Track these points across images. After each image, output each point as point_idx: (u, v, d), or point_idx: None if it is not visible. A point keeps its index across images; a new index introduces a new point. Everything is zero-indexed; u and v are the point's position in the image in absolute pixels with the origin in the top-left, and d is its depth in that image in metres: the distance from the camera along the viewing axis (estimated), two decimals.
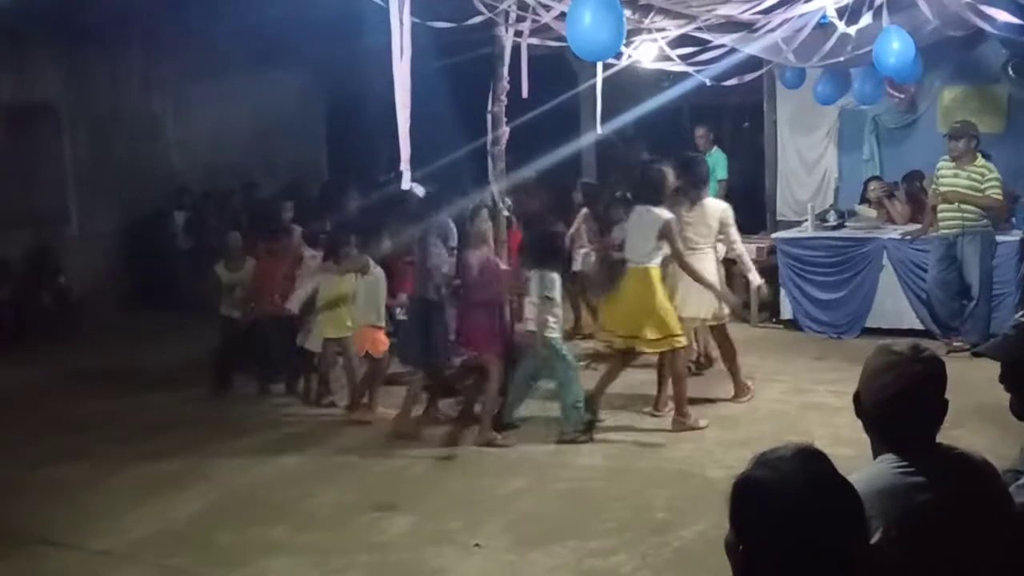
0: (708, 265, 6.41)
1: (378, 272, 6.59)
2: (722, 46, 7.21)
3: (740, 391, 6.63)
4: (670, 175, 6.18)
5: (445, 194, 6.59)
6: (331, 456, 5.98)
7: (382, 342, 6.56)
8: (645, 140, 11.40)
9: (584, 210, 7.71)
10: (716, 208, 6.57)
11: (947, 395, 2.26)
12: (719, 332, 6.65)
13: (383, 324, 6.62)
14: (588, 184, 8.02)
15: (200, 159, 11.37)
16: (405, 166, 5.70)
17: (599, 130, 7.71)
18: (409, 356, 6.32)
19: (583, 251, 7.25)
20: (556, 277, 6.06)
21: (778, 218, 9.97)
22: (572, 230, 7.67)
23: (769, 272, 8.52)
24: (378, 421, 6.38)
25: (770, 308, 8.69)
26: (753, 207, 9.53)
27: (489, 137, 6.50)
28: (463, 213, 7.40)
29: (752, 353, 7.40)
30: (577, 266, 7.88)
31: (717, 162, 9.27)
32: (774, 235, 8.88)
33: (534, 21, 6.40)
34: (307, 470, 5.76)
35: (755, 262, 7.41)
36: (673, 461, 5.65)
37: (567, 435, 5.92)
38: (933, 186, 7.83)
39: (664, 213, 6.06)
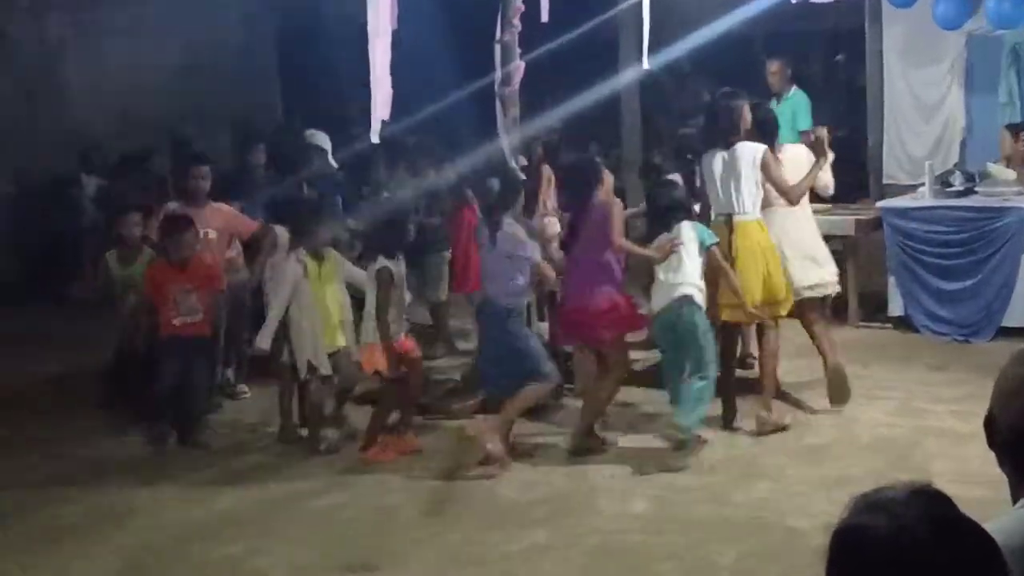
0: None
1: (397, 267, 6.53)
2: None
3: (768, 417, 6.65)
4: (747, 112, 6.48)
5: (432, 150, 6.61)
6: (288, 497, 6.06)
7: (413, 352, 6.62)
8: (704, 78, 11.44)
9: (546, 169, 7.78)
10: (800, 156, 6.82)
11: None
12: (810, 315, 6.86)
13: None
14: (551, 136, 8.04)
15: (113, 106, 11.42)
16: (379, 113, 5.75)
17: (645, 64, 7.78)
18: (495, 383, 6.54)
19: (548, 222, 7.28)
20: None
21: (885, 182, 9.95)
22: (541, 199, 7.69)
23: (871, 254, 8.55)
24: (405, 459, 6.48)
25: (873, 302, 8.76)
26: (850, 167, 9.36)
27: (497, 74, 6.69)
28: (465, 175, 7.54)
29: (847, 361, 7.34)
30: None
31: (797, 107, 9.25)
32: (880, 204, 8.93)
33: None
34: (254, 516, 5.83)
35: (846, 240, 7.46)
36: (742, 506, 5.68)
37: (684, 441, 6.24)
38: None
39: (758, 145, 6.40)
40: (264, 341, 6.66)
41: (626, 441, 6.62)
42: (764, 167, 6.45)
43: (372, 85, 4.55)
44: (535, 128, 7.83)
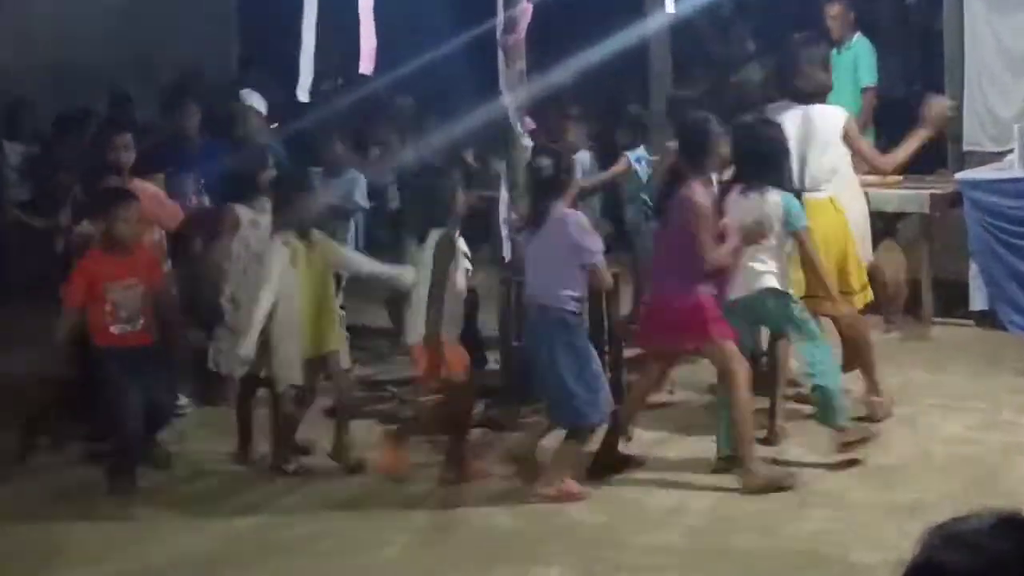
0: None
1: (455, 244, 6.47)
2: None
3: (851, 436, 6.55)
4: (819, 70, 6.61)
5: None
6: (253, 530, 6.05)
7: (461, 358, 6.52)
8: (747, 24, 11.47)
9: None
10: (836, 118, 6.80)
11: None
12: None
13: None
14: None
15: (42, 57, 11.34)
16: (365, 65, 5.73)
17: (670, 8, 7.81)
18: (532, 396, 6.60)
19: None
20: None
21: (965, 149, 9.86)
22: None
23: (949, 236, 8.53)
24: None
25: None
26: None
27: (500, 19, 6.71)
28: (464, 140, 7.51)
29: (920, 364, 7.40)
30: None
31: (860, 58, 9.23)
32: (959, 175, 8.88)
33: None
34: (219, 553, 5.83)
35: (919, 220, 7.62)
36: (797, 538, 5.68)
37: (843, 436, 6.31)
38: None
39: (838, 108, 6.47)
40: (248, 348, 6.44)
41: (658, 459, 6.63)
42: (848, 136, 6.46)
43: (363, 34, 4.57)
44: (545, 84, 7.83)
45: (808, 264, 6.41)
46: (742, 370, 6.20)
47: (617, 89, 10.49)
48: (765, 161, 6.32)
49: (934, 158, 9.50)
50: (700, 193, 6.21)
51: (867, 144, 6.64)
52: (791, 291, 6.38)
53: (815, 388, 6.38)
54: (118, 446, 6.59)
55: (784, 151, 6.38)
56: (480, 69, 7.39)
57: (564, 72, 8.34)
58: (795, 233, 6.30)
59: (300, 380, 6.63)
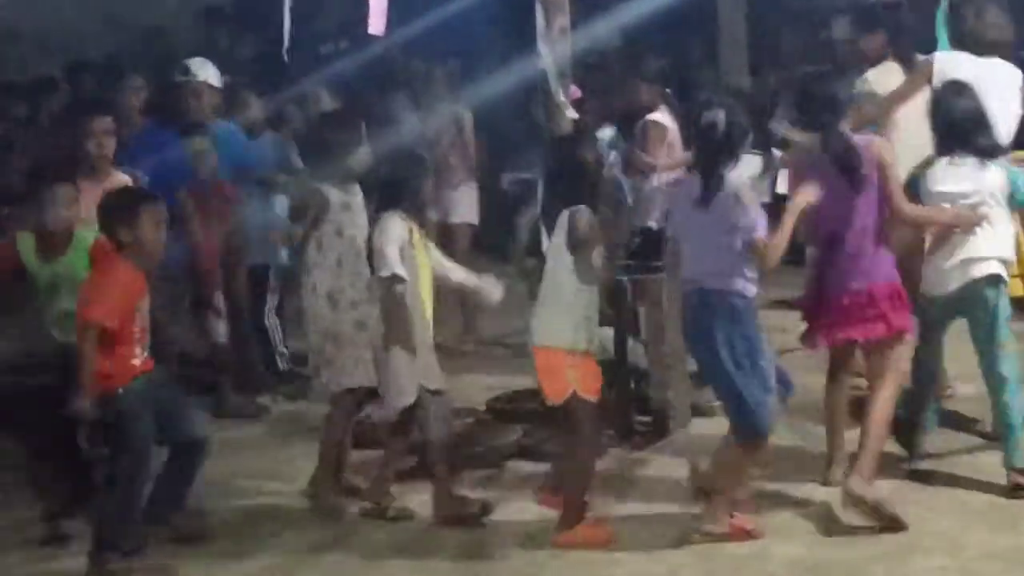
0: None
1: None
2: None
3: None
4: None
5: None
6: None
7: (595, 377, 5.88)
8: None
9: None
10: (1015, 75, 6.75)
11: None
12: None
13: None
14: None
15: None
16: (374, 26, 5.06)
17: None
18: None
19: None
20: None
21: None
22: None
23: None
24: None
25: None
26: None
27: None
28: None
29: None
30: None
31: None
32: None
33: None
34: None
35: None
36: None
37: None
38: None
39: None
40: (413, 351, 5.90)
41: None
42: None
43: None
44: (591, 41, 7.53)
45: None
46: (904, 370, 6.07)
47: (680, 49, 9.73)
48: (967, 129, 6.02)
49: None
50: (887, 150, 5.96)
51: None
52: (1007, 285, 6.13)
53: (1006, 423, 6.02)
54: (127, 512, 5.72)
55: (981, 115, 6.08)
56: (514, 25, 6.73)
57: (613, 28, 7.65)
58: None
59: (442, 383, 6.06)
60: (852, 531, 5.72)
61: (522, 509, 6.07)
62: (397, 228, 5.90)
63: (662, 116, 7.93)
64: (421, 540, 5.92)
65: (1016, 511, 5.85)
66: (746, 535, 5.63)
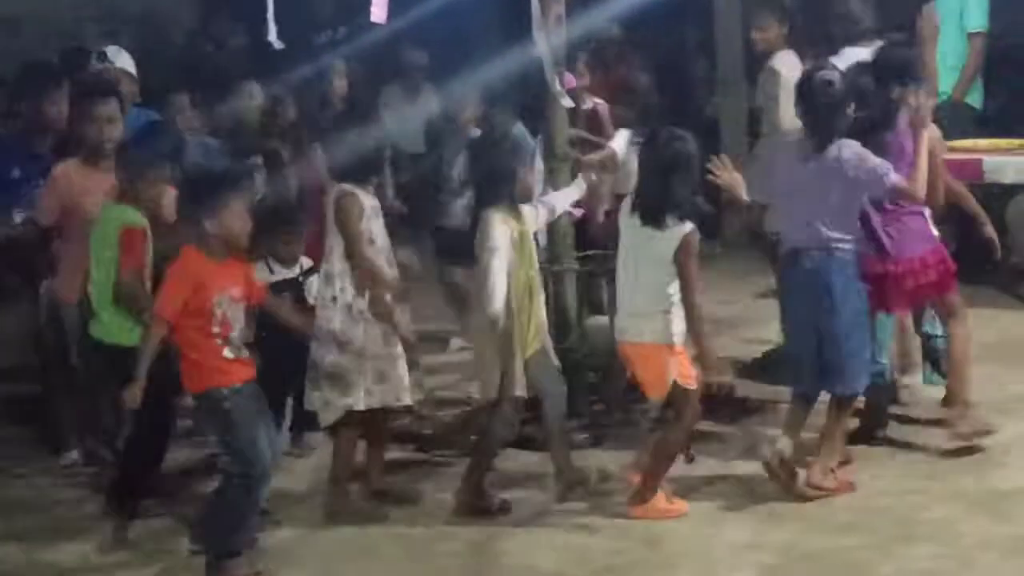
0: None
1: None
2: None
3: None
4: None
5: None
6: None
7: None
8: None
9: None
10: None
11: None
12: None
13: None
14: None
15: None
16: (377, 14, 5.04)
17: None
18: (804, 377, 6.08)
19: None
20: None
21: None
22: None
23: None
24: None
25: None
26: None
27: None
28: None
29: None
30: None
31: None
32: None
33: None
34: None
35: None
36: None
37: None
38: None
39: None
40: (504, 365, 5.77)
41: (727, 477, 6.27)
42: None
43: None
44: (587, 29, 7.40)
45: None
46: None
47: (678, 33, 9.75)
48: None
49: None
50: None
51: None
52: None
53: None
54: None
55: None
56: (509, 14, 6.77)
57: (610, 15, 7.66)
58: None
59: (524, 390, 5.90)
60: (847, 519, 5.73)
61: (521, 501, 6.07)
62: (503, 235, 5.78)
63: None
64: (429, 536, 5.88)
65: (1013, 500, 5.85)
66: (850, 487, 5.86)
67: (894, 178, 5.80)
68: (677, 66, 9.59)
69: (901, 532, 5.59)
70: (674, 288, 5.65)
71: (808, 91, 5.93)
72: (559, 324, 6.51)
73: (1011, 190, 8.27)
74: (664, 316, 5.66)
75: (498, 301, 5.68)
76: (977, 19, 8.69)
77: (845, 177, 5.78)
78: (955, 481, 6.07)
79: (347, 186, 5.88)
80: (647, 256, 5.70)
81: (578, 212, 6.23)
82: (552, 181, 6.52)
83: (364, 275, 5.76)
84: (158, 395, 5.53)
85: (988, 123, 7.73)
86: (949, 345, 6.34)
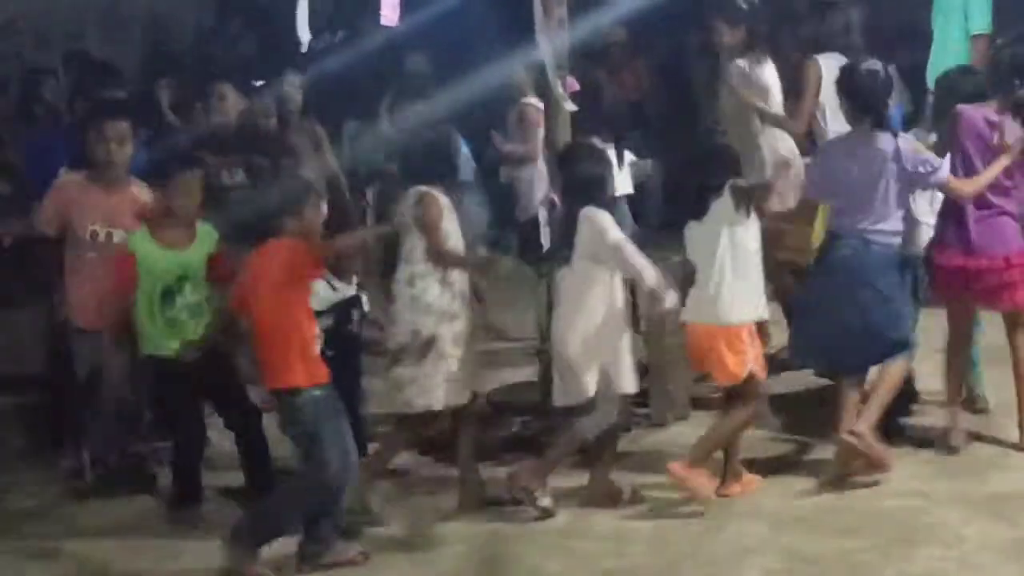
0: None
1: None
2: None
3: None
4: None
5: None
6: None
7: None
8: None
9: None
10: None
11: None
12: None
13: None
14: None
15: None
16: (387, 16, 5.03)
17: None
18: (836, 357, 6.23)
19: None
20: None
21: None
22: None
23: None
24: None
25: None
26: None
27: None
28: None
29: None
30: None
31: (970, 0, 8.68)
32: None
33: None
34: None
35: None
36: None
37: None
38: None
39: None
40: None
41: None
42: None
43: None
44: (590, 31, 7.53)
45: None
46: None
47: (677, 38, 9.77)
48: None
49: None
50: None
51: None
52: None
53: None
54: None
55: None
56: (511, 15, 6.85)
57: (613, 19, 7.65)
58: None
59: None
60: (849, 522, 5.72)
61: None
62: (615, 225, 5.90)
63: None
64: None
65: (1015, 503, 5.85)
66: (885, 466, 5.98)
67: (944, 176, 5.98)
68: (679, 68, 9.57)
69: (903, 535, 5.58)
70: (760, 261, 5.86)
71: (854, 83, 6.08)
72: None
73: None
74: (753, 292, 5.87)
75: (655, 276, 5.74)
76: (980, 21, 8.57)
77: (900, 168, 5.92)
78: (957, 484, 6.07)
79: (423, 187, 5.87)
80: (737, 241, 5.82)
81: None
82: (555, 185, 6.52)
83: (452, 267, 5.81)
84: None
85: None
86: (1012, 356, 6.32)
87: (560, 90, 6.42)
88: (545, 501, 5.86)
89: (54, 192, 6.36)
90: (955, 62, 7.27)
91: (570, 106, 6.48)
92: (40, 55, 10.52)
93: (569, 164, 6.03)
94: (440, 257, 5.79)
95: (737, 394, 5.92)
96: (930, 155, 6.00)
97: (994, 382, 6.83)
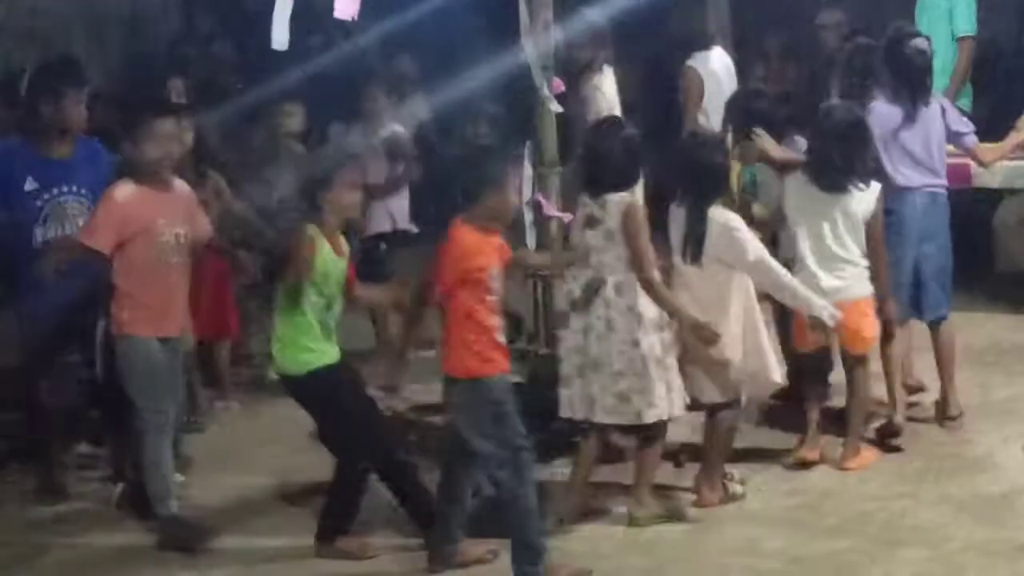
0: None
1: None
2: None
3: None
4: None
5: None
6: None
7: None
8: None
9: None
10: None
11: None
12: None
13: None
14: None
15: None
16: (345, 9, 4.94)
17: None
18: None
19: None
20: None
21: None
22: None
23: None
24: None
25: None
26: None
27: None
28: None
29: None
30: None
31: (956, 1, 8.75)
32: None
33: None
34: None
35: None
36: None
37: None
38: None
39: None
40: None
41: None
42: None
43: None
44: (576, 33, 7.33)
45: None
46: None
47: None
48: None
49: None
50: None
51: None
52: None
53: None
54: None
55: None
56: (496, 18, 6.87)
57: (600, 17, 7.65)
58: None
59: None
60: (836, 523, 5.76)
61: None
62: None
63: None
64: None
65: (1000, 504, 5.88)
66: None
67: (971, 141, 6.75)
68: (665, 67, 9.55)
69: (890, 536, 5.62)
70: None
71: (902, 56, 6.58)
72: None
73: (999, 195, 8.35)
74: (865, 272, 6.22)
75: (813, 301, 5.92)
76: (965, 24, 8.64)
77: (946, 127, 6.61)
78: (943, 485, 6.09)
79: (618, 196, 5.73)
80: (841, 219, 6.18)
81: (567, 217, 6.19)
82: (542, 187, 6.47)
83: (648, 284, 5.67)
84: None
85: (977, 127, 7.76)
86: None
87: (546, 91, 6.37)
88: (737, 488, 6.04)
89: (111, 207, 5.95)
90: (940, 64, 7.32)
91: (556, 108, 6.45)
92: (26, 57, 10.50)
93: (689, 153, 6.00)
94: (642, 267, 5.64)
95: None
96: (965, 119, 6.72)
97: (978, 383, 6.93)
